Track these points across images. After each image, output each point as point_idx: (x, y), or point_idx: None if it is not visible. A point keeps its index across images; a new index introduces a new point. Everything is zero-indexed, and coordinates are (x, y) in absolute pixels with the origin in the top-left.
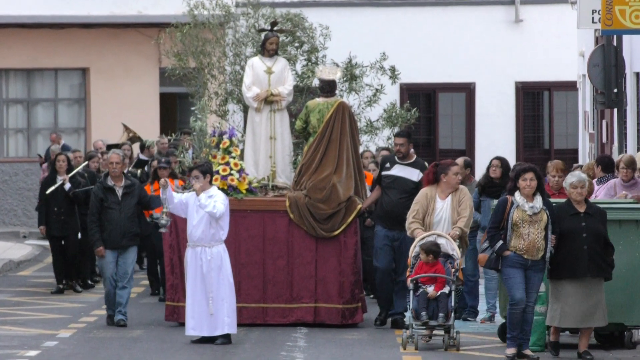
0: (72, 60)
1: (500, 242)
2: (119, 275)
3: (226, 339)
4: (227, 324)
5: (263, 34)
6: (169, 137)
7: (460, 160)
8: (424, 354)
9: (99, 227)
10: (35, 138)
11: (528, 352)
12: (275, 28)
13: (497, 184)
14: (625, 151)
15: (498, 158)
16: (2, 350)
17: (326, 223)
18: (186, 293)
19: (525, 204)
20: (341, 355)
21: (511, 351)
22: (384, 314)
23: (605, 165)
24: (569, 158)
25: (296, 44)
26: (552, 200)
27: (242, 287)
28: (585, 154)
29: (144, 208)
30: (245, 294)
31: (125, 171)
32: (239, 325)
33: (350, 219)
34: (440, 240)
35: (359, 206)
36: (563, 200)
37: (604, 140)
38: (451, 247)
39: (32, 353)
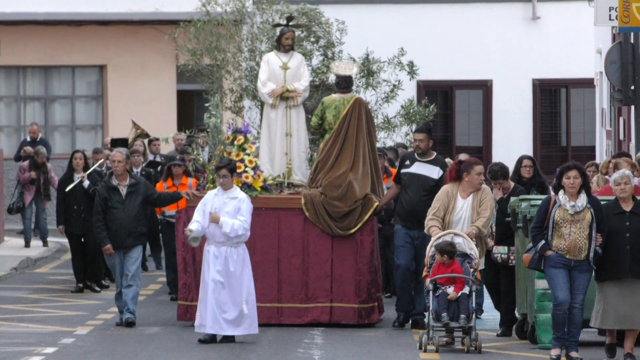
0: (90, 57)
1: (542, 241)
2: (124, 274)
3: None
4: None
5: (278, 29)
6: (187, 133)
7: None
8: (442, 353)
9: (105, 227)
10: (52, 135)
11: (574, 354)
12: (291, 23)
13: (525, 183)
14: None
15: (529, 157)
16: (20, 347)
17: (342, 221)
18: (203, 292)
19: (567, 203)
20: (358, 353)
21: (556, 352)
22: (402, 316)
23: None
24: (586, 155)
25: (312, 39)
26: (601, 198)
27: (257, 287)
28: (603, 151)
29: (152, 205)
30: (259, 293)
31: (140, 168)
32: None
33: (366, 217)
34: (458, 239)
35: (376, 204)
36: (611, 198)
37: (621, 137)
38: (469, 246)
39: (50, 350)
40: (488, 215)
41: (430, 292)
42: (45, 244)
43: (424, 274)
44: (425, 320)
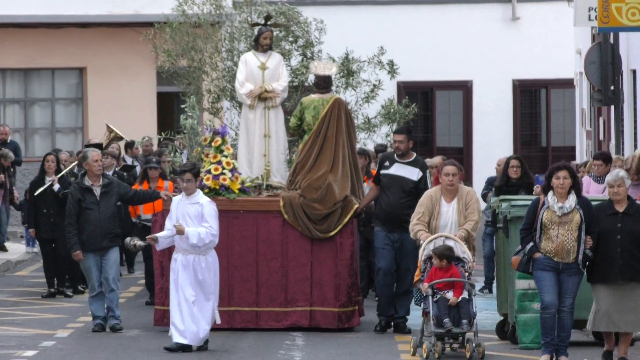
0: (69, 59)
1: (531, 244)
2: (104, 278)
3: (205, 344)
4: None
5: (256, 29)
6: (159, 136)
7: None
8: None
9: (78, 230)
10: (32, 138)
11: (563, 359)
12: (269, 22)
13: (514, 184)
14: (623, 148)
15: (517, 158)
16: (0, 350)
17: (321, 224)
18: (174, 300)
19: (555, 205)
20: (339, 354)
21: (545, 358)
22: (384, 320)
23: (606, 160)
24: (566, 156)
25: (291, 39)
26: (594, 199)
27: (235, 291)
28: (583, 151)
29: (129, 203)
30: (238, 297)
31: (112, 172)
32: (232, 329)
33: (346, 220)
34: (449, 243)
35: (356, 206)
36: (605, 199)
37: (601, 137)
38: (461, 249)
39: (30, 353)
40: (476, 218)
41: (430, 297)
42: (3, 249)
43: (417, 278)
44: (422, 324)
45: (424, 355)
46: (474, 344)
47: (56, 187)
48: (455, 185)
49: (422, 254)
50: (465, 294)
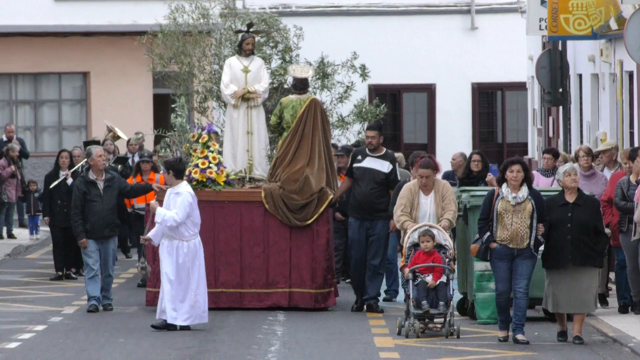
0: (74, 65)
1: (488, 233)
2: (102, 264)
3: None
4: (200, 314)
5: (240, 35)
6: (152, 133)
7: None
8: (390, 322)
9: (82, 219)
10: (41, 135)
11: (520, 337)
12: (251, 29)
13: (475, 177)
14: (570, 144)
15: (478, 153)
16: (13, 325)
17: (299, 213)
18: (164, 282)
19: (509, 195)
20: (317, 328)
21: (502, 334)
22: (360, 300)
23: (555, 155)
24: (520, 151)
25: (271, 44)
26: (545, 191)
27: (221, 274)
28: (534, 147)
29: (125, 196)
30: (223, 279)
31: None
32: (218, 309)
33: (322, 209)
34: (433, 231)
35: (330, 197)
36: (557, 191)
37: (551, 134)
38: (443, 237)
39: (40, 327)
40: (454, 208)
41: (410, 281)
42: (12, 236)
43: (402, 264)
44: (407, 306)
45: (398, 333)
46: (450, 324)
47: (69, 180)
48: (428, 185)
49: (407, 241)
50: (443, 278)
